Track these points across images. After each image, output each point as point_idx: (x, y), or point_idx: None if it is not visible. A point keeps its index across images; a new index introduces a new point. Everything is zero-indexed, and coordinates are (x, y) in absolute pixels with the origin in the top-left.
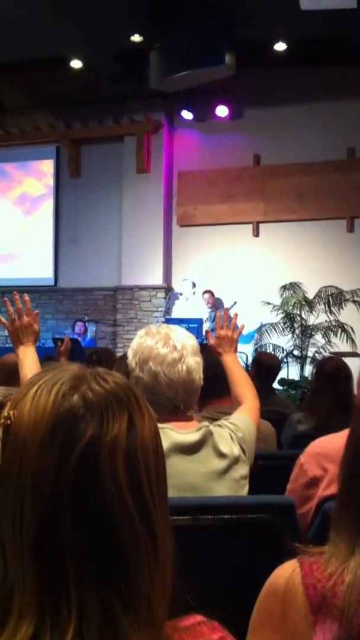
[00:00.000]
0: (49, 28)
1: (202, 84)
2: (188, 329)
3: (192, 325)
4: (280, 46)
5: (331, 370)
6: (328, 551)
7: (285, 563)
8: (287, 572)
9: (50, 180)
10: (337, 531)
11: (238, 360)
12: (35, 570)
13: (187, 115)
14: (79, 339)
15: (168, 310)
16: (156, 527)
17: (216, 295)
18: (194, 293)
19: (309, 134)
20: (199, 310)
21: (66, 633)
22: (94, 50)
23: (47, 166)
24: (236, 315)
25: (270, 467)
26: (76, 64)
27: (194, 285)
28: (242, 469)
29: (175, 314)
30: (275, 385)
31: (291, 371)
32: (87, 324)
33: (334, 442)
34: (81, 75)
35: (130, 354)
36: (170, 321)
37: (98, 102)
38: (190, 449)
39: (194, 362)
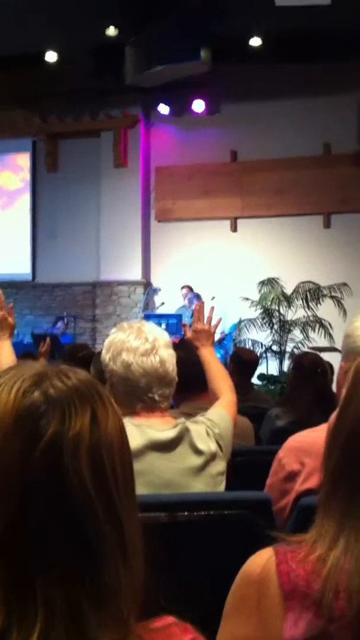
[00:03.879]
0: (22, 22)
1: (178, 79)
2: (167, 324)
3: (172, 321)
4: (256, 41)
5: (309, 365)
6: (313, 536)
7: (260, 551)
8: (262, 559)
9: (27, 174)
10: (324, 514)
11: (215, 353)
12: (0, 569)
13: (163, 109)
14: (59, 336)
15: (147, 306)
16: (123, 524)
17: (195, 291)
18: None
19: (285, 130)
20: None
21: (33, 631)
22: (69, 44)
23: (23, 160)
24: (212, 308)
25: (248, 462)
26: (51, 56)
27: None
28: (219, 465)
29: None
30: (255, 380)
31: (270, 366)
32: (66, 319)
33: (312, 436)
34: (57, 70)
35: (103, 350)
36: (149, 316)
37: (74, 96)
38: (166, 446)
39: (166, 354)
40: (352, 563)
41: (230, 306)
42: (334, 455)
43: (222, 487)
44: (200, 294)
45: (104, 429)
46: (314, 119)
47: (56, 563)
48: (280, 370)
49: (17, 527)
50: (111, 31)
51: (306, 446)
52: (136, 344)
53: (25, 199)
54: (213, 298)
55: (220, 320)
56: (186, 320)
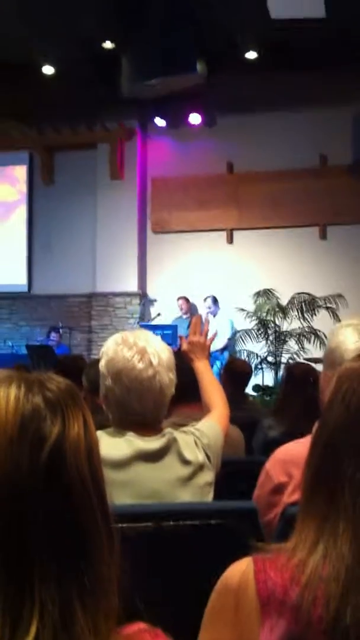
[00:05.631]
0: (18, 34)
1: (174, 91)
2: (162, 335)
3: (167, 331)
4: (251, 55)
5: (300, 375)
6: (293, 542)
7: (239, 560)
8: (240, 568)
9: (23, 187)
10: (303, 519)
11: (209, 367)
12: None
13: (160, 122)
14: (54, 347)
15: (142, 317)
16: (111, 520)
17: (191, 301)
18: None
19: (281, 141)
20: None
21: (27, 633)
22: (65, 56)
23: (20, 172)
24: (207, 321)
25: (239, 472)
26: (48, 70)
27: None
28: (207, 476)
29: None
30: (250, 391)
31: (266, 377)
32: (60, 329)
33: (299, 448)
34: (53, 82)
35: (103, 360)
36: (144, 327)
37: (70, 108)
38: (153, 456)
39: (167, 379)
40: (330, 569)
41: (228, 316)
42: (314, 460)
43: (209, 498)
44: (196, 304)
45: (92, 431)
46: (309, 131)
47: (53, 560)
48: (276, 381)
49: (20, 527)
50: (107, 44)
51: (293, 458)
52: (139, 368)
53: (22, 211)
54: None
55: (215, 334)
56: (182, 331)
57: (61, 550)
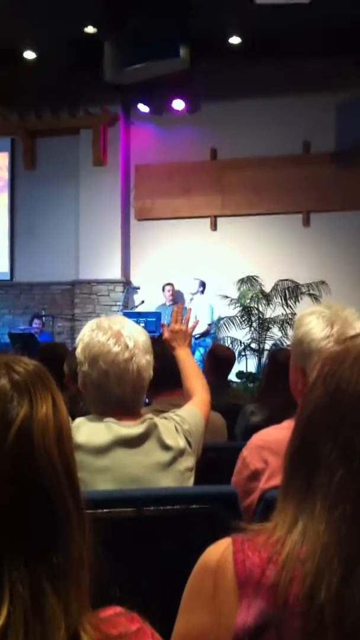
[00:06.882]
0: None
1: (158, 77)
2: (146, 323)
3: (150, 319)
4: (235, 40)
5: (283, 361)
6: (273, 522)
7: (218, 541)
8: (219, 549)
9: (5, 173)
10: (283, 499)
11: (191, 354)
12: None
13: (143, 108)
14: (36, 335)
15: (126, 304)
16: (82, 503)
17: (176, 288)
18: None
19: (265, 128)
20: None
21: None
22: (47, 41)
23: (1, 158)
24: (190, 310)
25: (221, 458)
26: (29, 55)
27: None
28: (188, 461)
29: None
30: (234, 378)
31: (249, 364)
32: (43, 317)
33: (275, 434)
34: (35, 67)
35: (79, 347)
36: (127, 315)
37: (53, 93)
38: (134, 442)
39: (144, 361)
40: (307, 548)
41: (208, 301)
42: (294, 441)
43: (190, 483)
44: (181, 291)
45: (62, 413)
46: (293, 118)
47: (23, 543)
48: (259, 368)
49: None
50: (89, 29)
51: (270, 444)
52: (115, 351)
53: (4, 198)
54: (192, 299)
55: (197, 322)
56: (166, 319)
57: (31, 533)
